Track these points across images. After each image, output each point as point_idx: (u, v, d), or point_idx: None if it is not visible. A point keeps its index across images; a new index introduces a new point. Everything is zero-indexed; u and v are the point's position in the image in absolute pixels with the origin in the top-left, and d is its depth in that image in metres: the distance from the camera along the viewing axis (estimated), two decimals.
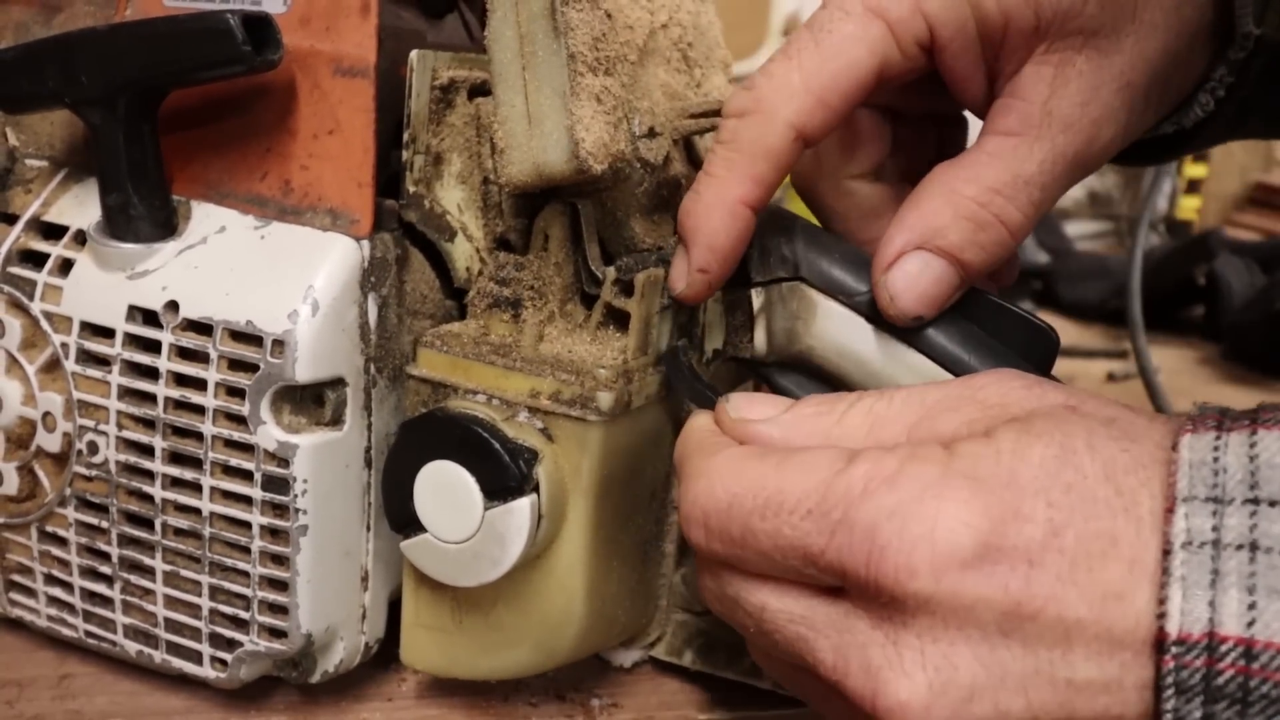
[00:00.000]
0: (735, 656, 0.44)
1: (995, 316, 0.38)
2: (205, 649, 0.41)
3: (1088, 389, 0.39)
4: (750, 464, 0.32)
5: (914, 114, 0.42)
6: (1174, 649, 0.26)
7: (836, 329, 0.39)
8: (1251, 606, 0.26)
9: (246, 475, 0.39)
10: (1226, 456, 0.28)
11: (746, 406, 0.35)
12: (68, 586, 0.43)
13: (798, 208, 0.45)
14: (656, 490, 0.43)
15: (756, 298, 0.41)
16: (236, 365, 0.38)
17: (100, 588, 0.42)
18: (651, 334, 0.40)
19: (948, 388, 0.33)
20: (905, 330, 0.38)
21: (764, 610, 0.32)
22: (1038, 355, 0.38)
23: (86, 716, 0.42)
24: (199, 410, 0.39)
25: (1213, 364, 0.99)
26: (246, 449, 0.39)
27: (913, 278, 0.36)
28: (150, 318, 0.40)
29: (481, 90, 0.43)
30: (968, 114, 0.43)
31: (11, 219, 0.43)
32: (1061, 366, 0.39)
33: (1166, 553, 0.27)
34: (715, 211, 0.37)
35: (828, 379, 0.40)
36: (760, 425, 0.34)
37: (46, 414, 0.42)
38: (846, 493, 0.29)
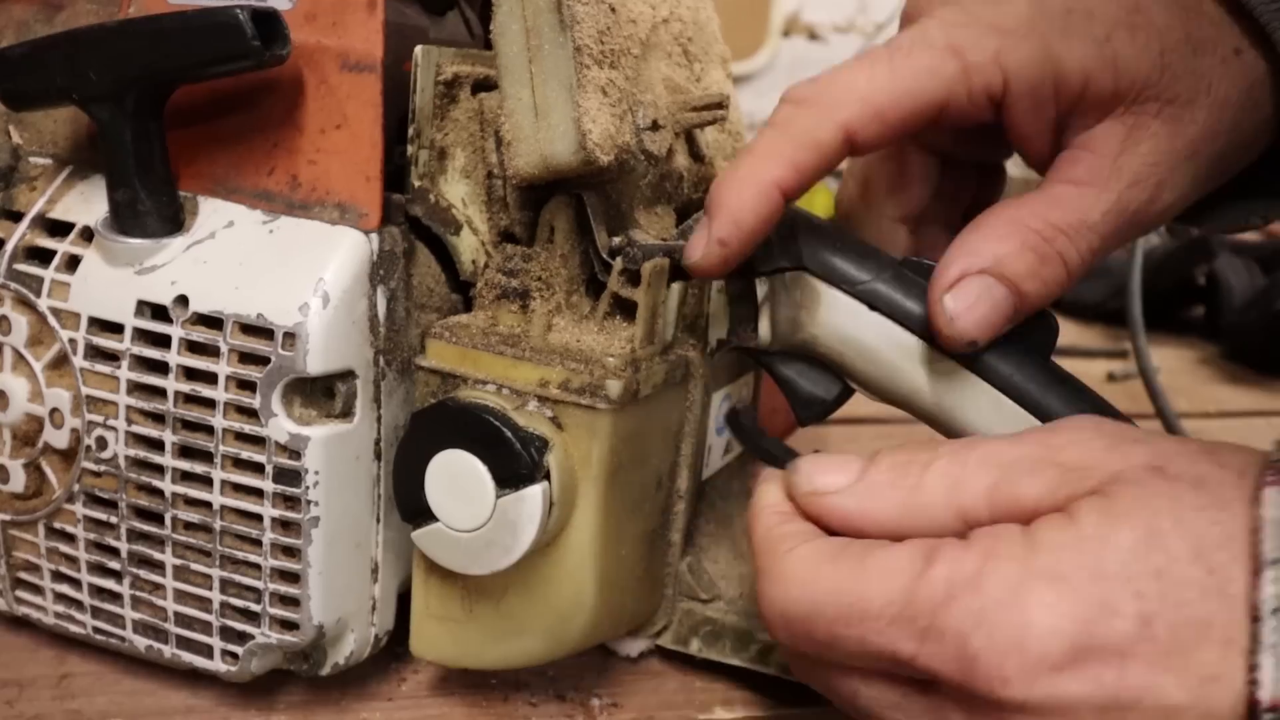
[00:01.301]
0: (741, 644, 0.45)
1: None
2: (216, 643, 0.41)
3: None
4: (826, 569, 0.32)
5: (961, 161, 0.42)
6: (1266, 717, 0.26)
7: (840, 318, 0.39)
8: None
9: (258, 468, 0.39)
10: None
11: (819, 475, 0.34)
12: (75, 583, 0.43)
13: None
14: (663, 479, 0.43)
15: (760, 287, 0.41)
16: (247, 358, 0.39)
17: (109, 583, 0.42)
18: (658, 323, 0.40)
19: (1024, 446, 0.32)
20: (908, 318, 0.38)
21: (857, 696, 0.32)
22: (1037, 341, 0.39)
23: (86, 716, 0.42)
24: (209, 404, 0.39)
25: (1213, 364, 0.99)
26: (257, 442, 0.39)
27: (973, 301, 0.36)
28: (159, 312, 0.40)
29: (484, 85, 0.43)
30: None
31: (17, 216, 0.43)
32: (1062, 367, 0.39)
33: (1255, 620, 0.27)
34: (749, 187, 0.36)
35: (831, 367, 0.41)
36: (834, 499, 0.34)
37: (54, 410, 0.42)
38: (930, 598, 0.30)
